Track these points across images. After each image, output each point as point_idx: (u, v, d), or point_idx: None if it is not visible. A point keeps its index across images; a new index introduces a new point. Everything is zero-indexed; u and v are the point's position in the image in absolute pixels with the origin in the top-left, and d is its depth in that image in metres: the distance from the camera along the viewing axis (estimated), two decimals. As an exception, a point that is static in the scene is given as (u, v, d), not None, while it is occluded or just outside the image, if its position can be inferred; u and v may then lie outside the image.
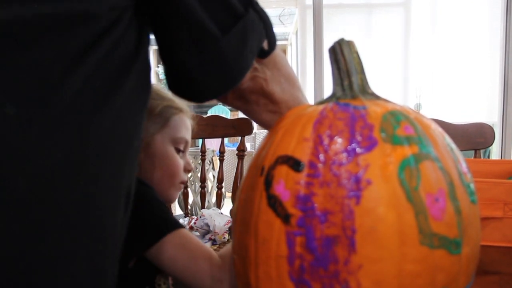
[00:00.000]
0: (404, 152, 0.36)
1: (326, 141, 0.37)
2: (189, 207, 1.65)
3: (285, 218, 0.37)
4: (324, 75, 2.12)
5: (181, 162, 0.78)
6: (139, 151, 0.43)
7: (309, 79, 2.44)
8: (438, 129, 0.42)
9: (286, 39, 5.85)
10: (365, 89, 0.44)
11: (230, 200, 1.50)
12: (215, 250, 1.44)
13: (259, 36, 0.48)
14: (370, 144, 0.36)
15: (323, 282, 0.35)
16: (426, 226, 0.35)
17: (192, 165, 0.84)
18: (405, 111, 0.40)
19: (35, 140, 0.29)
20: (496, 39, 2.17)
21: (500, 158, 2.09)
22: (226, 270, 0.61)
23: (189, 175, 0.79)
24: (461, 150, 0.44)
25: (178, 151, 0.78)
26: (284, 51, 6.23)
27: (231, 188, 1.52)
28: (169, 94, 0.82)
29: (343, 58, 0.44)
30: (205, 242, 1.43)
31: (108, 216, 0.37)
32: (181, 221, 1.50)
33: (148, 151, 0.75)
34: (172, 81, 0.44)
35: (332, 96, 0.44)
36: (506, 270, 0.66)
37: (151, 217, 0.65)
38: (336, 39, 0.45)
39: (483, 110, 2.31)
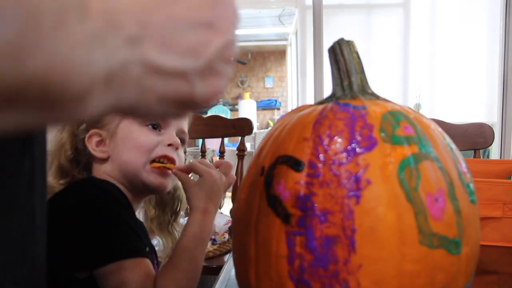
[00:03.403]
0: (403, 152, 0.36)
1: (326, 141, 0.37)
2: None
3: (285, 218, 0.37)
4: (324, 75, 2.12)
5: (152, 136, 0.73)
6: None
7: (309, 79, 2.44)
8: (438, 129, 0.42)
9: (286, 39, 5.85)
10: (364, 89, 0.44)
11: (230, 200, 1.50)
12: (215, 249, 1.44)
13: None
14: (369, 144, 0.36)
15: (323, 282, 0.35)
16: (426, 226, 0.35)
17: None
18: (404, 111, 0.40)
19: None
20: (495, 39, 2.18)
21: (499, 158, 2.09)
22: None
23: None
24: (461, 150, 0.44)
25: (154, 127, 0.74)
26: (284, 52, 6.24)
27: (231, 188, 1.52)
28: None
29: (343, 58, 0.44)
30: (205, 242, 1.42)
31: None
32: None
33: (115, 140, 0.73)
34: None
35: (332, 96, 0.44)
36: (505, 269, 0.66)
37: (101, 239, 0.63)
38: (335, 39, 0.45)
39: (483, 110, 2.31)
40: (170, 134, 0.75)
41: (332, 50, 0.45)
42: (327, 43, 1.77)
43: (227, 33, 0.26)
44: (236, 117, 1.51)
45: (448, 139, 0.42)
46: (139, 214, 1.04)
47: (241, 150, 1.50)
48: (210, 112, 4.33)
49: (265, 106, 6.44)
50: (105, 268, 0.61)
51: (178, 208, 0.89)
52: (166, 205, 0.88)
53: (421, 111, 0.44)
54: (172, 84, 0.24)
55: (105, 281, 0.61)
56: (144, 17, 0.22)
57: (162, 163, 0.74)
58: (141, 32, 0.22)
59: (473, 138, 1.36)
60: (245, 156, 1.51)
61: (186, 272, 0.65)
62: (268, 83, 6.64)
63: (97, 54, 0.21)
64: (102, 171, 0.74)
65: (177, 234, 0.86)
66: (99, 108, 0.22)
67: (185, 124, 0.81)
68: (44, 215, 0.40)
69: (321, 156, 0.37)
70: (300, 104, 1.06)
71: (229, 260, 0.75)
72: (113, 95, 0.22)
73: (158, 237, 1.16)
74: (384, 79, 2.32)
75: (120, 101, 0.23)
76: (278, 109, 6.49)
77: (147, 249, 0.71)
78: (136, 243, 0.65)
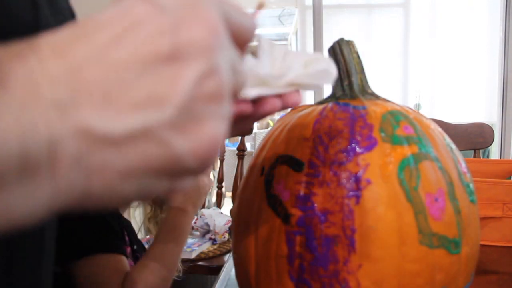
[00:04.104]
0: (403, 152, 0.36)
1: (326, 141, 0.37)
2: (189, 207, 1.65)
3: (285, 217, 0.37)
4: (324, 75, 2.12)
5: None
6: None
7: (308, 79, 2.44)
8: (438, 129, 0.42)
9: (286, 39, 5.85)
10: (364, 89, 0.44)
11: (230, 200, 1.50)
12: (215, 249, 1.44)
13: None
14: (369, 144, 0.36)
15: (323, 282, 0.35)
16: (426, 226, 0.35)
17: None
18: (404, 111, 0.40)
19: None
20: (496, 39, 2.18)
21: (499, 158, 2.09)
22: None
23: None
24: (461, 150, 0.44)
25: None
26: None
27: (231, 188, 1.52)
28: None
29: (342, 58, 0.44)
30: (205, 242, 1.43)
31: None
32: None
33: None
34: None
35: (332, 96, 0.44)
36: (505, 269, 0.66)
37: (76, 234, 0.64)
38: (335, 39, 0.45)
39: (483, 110, 2.31)
40: None
41: (332, 50, 0.45)
42: (327, 43, 1.77)
43: (203, 58, 0.18)
44: (236, 117, 1.51)
45: (448, 139, 0.42)
46: (134, 213, 1.05)
47: (241, 150, 1.50)
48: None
49: (265, 106, 6.43)
50: (78, 262, 0.62)
51: None
52: (163, 202, 0.89)
53: (421, 111, 0.44)
54: (134, 152, 0.17)
55: (76, 273, 0.63)
56: (75, 74, 0.16)
57: None
58: (72, 95, 0.16)
59: (473, 138, 1.36)
60: (245, 156, 1.51)
61: (156, 271, 0.65)
62: (268, 83, 6.63)
63: (5, 134, 0.15)
64: None
65: None
66: (27, 208, 0.16)
67: None
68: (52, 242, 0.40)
69: (321, 156, 0.37)
70: (300, 104, 1.06)
71: (229, 260, 0.75)
72: (46, 187, 0.16)
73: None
74: (384, 79, 2.32)
75: (60, 194, 0.17)
76: (278, 109, 6.47)
77: (135, 247, 0.71)
78: (110, 240, 0.66)
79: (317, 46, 2.10)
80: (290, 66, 0.27)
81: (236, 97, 0.22)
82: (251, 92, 0.25)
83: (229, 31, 0.20)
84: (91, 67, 0.17)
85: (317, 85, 0.28)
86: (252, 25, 0.23)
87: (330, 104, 0.41)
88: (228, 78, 0.19)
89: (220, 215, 1.50)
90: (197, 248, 1.37)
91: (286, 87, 0.27)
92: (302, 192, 0.37)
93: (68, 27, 0.18)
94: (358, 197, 0.35)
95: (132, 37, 0.17)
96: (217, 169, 1.60)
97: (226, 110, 0.19)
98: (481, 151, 1.38)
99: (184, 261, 1.35)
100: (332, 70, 0.28)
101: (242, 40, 0.22)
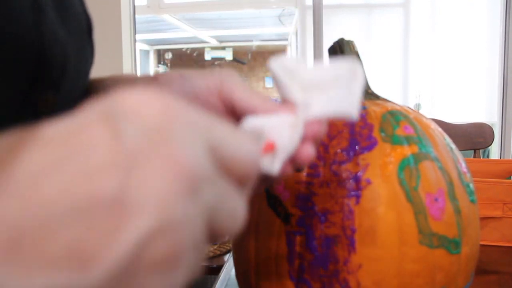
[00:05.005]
0: (403, 152, 0.36)
1: (326, 141, 0.37)
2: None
3: (285, 217, 0.37)
4: (324, 75, 2.12)
5: None
6: None
7: (308, 79, 2.44)
8: (438, 129, 0.42)
9: (286, 39, 5.85)
10: (364, 89, 0.44)
11: (230, 200, 1.50)
12: (215, 249, 1.44)
13: None
14: (369, 144, 0.36)
15: (323, 282, 0.35)
16: (426, 226, 0.35)
17: None
18: (404, 111, 0.40)
19: None
20: (496, 39, 2.18)
21: (499, 158, 2.09)
22: None
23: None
24: (461, 150, 0.44)
25: None
26: (284, 52, 6.23)
27: (231, 188, 1.52)
28: None
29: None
30: (205, 242, 1.43)
31: None
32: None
33: None
34: None
35: (332, 96, 0.44)
36: (505, 269, 0.66)
37: None
38: (335, 39, 0.45)
39: (483, 110, 2.31)
40: None
41: (332, 50, 0.44)
42: (327, 43, 1.77)
43: (154, 212, 0.14)
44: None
45: (448, 139, 0.42)
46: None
47: (241, 150, 1.50)
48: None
49: (265, 106, 6.41)
50: None
51: None
52: None
53: (421, 111, 0.44)
54: None
55: None
56: None
57: None
58: None
59: (473, 138, 1.37)
60: (245, 156, 1.50)
61: None
62: (268, 83, 6.64)
63: None
64: None
65: None
66: None
67: None
68: None
69: (321, 156, 0.37)
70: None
71: (229, 260, 0.75)
72: None
73: None
74: (384, 79, 2.32)
75: None
76: (278, 109, 6.47)
77: None
78: None
79: (317, 46, 2.10)
80: (313, 94, 0.25)
81: (225, 235, 0.19)
82: (274, 168, 0.23)
83: (220, 162, 0.17)
84: (7, 200, 0.13)
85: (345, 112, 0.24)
86: (248, 154, 0.19)
87: (330, 104, 0.41)
88: (196, 233, 0.15)
89: (220, 215, 1.50)
90: (197, 248, 1.37)
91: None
92: (302, 192, 0.37)
93: (6, 136, 0.14)
94: (358, 197, 0.35)
95: (72, 166, 0.14)
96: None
97: (181, 277, 0.15)
98: (481, 151, 1.39)
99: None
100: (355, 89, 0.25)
101: (236, 172, 0.18)
